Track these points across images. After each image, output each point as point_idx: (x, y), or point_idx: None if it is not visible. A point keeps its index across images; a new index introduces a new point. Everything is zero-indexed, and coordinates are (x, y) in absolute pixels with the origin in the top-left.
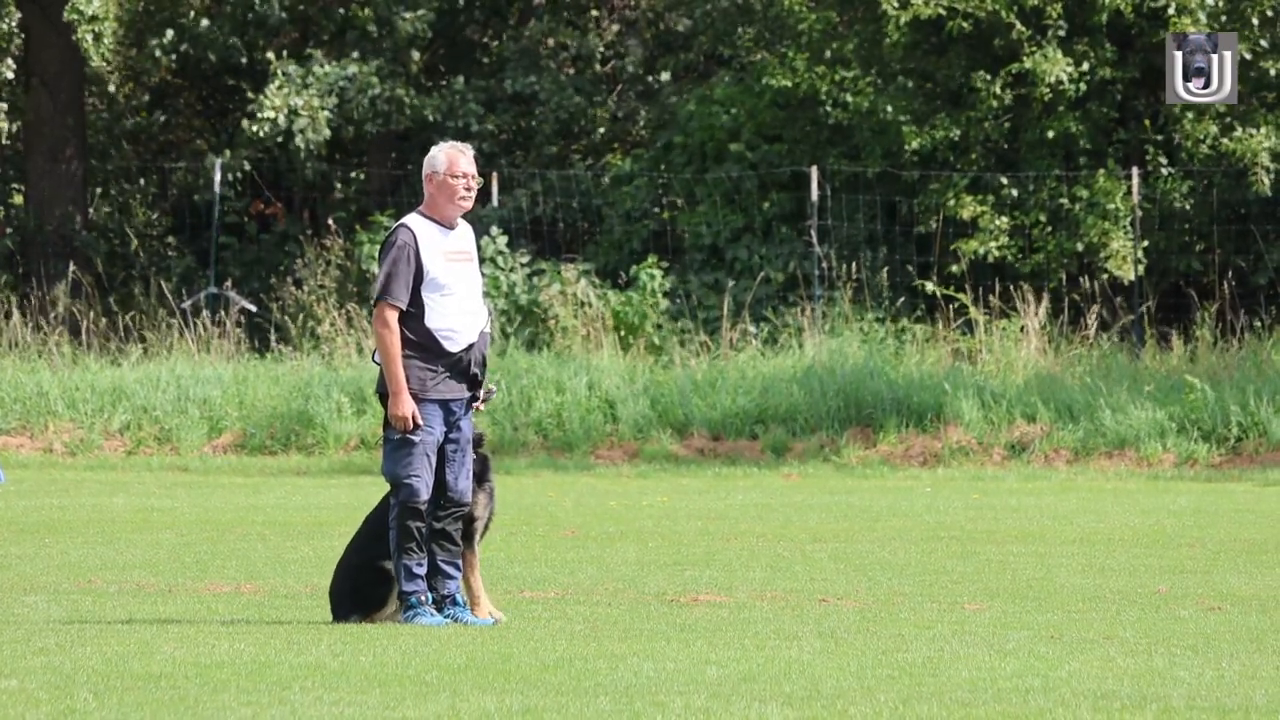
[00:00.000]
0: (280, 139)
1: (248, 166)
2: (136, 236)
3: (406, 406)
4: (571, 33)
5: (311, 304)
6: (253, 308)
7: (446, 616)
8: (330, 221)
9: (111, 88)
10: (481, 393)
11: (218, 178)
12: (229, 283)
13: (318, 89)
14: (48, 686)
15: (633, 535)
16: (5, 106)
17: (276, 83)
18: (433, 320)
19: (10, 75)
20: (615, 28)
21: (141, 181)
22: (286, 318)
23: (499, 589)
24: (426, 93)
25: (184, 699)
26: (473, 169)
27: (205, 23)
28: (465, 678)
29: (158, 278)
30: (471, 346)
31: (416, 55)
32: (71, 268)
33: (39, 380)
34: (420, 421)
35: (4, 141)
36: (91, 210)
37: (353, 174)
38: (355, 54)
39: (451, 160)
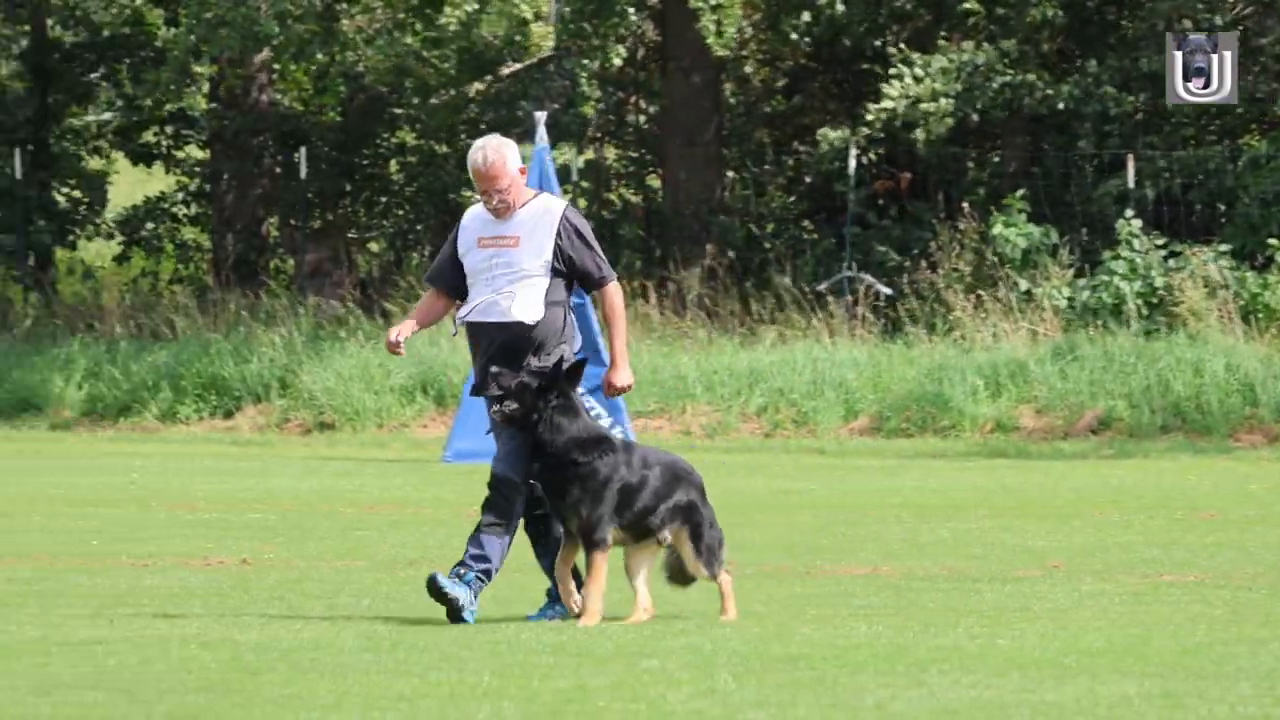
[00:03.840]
0: (902, 126)
1: (871, 156)
2: (772, 219)
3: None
4: (1202, 11)
5: (944, 287)
6: (888, 290)
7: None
8: (964, 204)
9: (749, 69)
10: (496, 392)
11: (852, 162)
12: (860, 266)
13: (942, 78)
14: (688, 667)
15: (1274, 519)
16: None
17: (899, 70)
18: (463, 308)
19: (620, 60)
20: (1249, 9)
21: (776, 164)
22: (920, 300)
23: (1136, 572)
24: (1059, 76)
25: (821, 680)
26: (490, 182)
27: (840, 7)
28: (1103, 662)
29: (792, 261)
30: (489, 338)
31: (1047, 38)
32: (708, 250)
33: (676, 363)
34: (397, 343)
35: (642, 125)
36: (727, 194)
37: (986, 156)
38: (982, 39)
39: (471, 171)
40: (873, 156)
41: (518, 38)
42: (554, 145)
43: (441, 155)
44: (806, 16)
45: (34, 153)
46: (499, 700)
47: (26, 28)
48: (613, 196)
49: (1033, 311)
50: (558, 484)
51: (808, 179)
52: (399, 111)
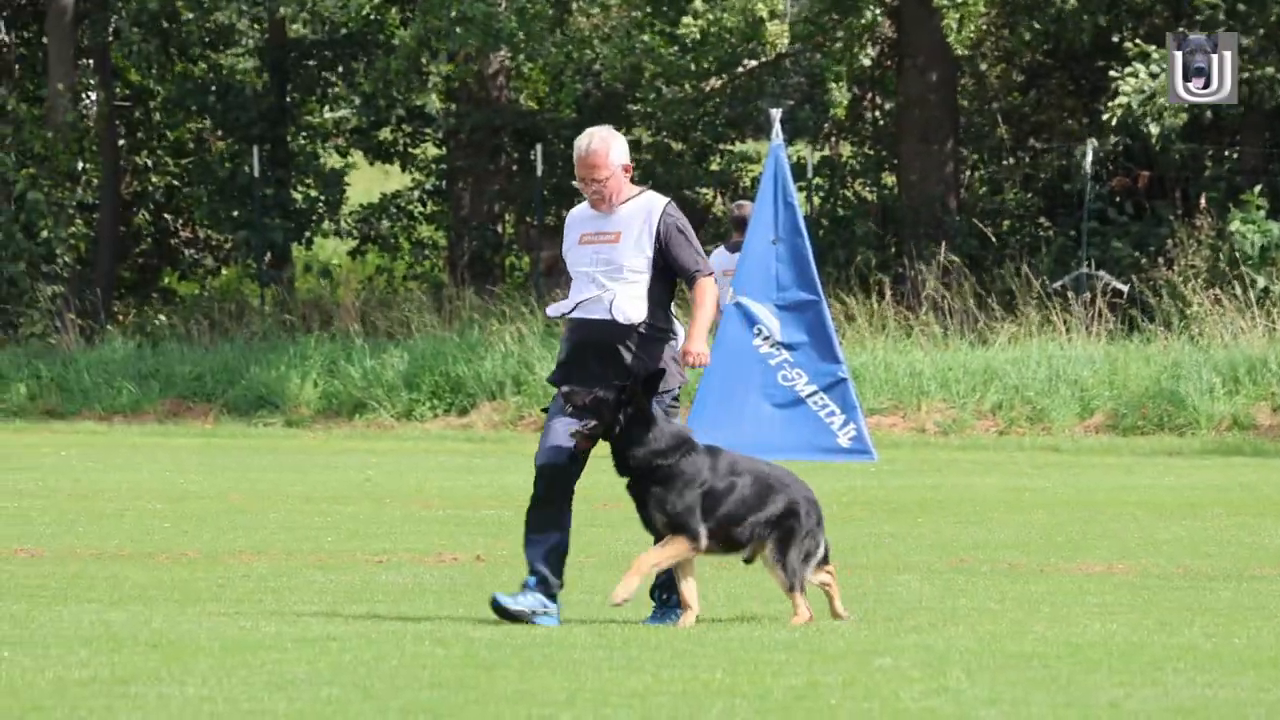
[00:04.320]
0: (1135, 122)
1: (1108, 153)
2: (1007, 217)
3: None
4: None
5: (1180, 284)
6: (1124, 288)
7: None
8: (1201, 200)
9: (984, 67)
10: (579, 405)
11: (1088, 159)
12: (1097, 264)
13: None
14: (920, 665)
15: None
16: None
17: (1134, 67)
18: (561, 304)
19: (869, 60)
20: None
21: (1012, 162)
22: (1157, 297)
23: None
24: None
25: (1055, 679)
26: (589, 170)
27: (1073, 2)
28: None
29: (1028, 258)
30: (582, 334)
31: None
32: (942, 248)
33: (910, 360)
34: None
35: (878, 122)
36: (963, 191)
37: (1225, 152)
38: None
39: (575, 158)
40: (1109, 153)
41: (752, 36)
42: (789, 142)
43: (676, 152)
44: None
45: (271, 150)
46: (731, 697)
47: (265, 25)
48: (848, 193)
49: (1271, 308)
50: (643, 491)
51: (1044, 176)
52: (634, 108)
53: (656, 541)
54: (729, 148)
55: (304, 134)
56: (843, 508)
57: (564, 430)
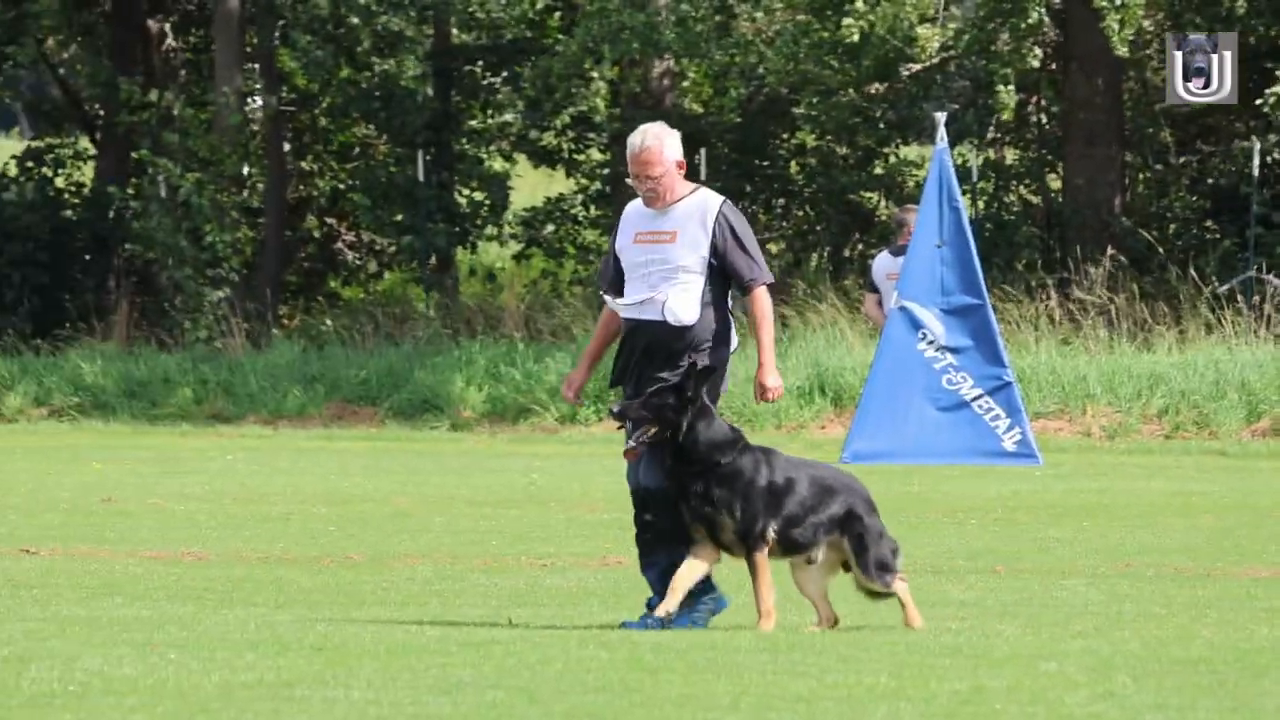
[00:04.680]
0: None
1: (1276, 155)
2: (1173, 220)
3: (565, 383)
4: None
5: None
6: None
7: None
8: None
9: (1148, 71)
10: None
11: (1256, 161)
12: (1265, 268)
13: None
14: (1086, 670)
15: None
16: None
17: None
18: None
19: (1036, 62)
20: None
21: (1179, 164)
22: None
23: None
24: None
25: (1222, 684)
26: (643, 167)
27: (1241, 4)
28: None
29: (1194, 261)
30: (635, 333)
31: None
32: (1109, 252)
33: (1076, 365)
34: (572, 391)
35: (1043, 125)
36: (1128, 195)
37: None
38: None
39: (628, 155)
40: (1278, 156)
41: (907, 42)
42: (953, 145)
43: (841, 156)
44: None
45: (435, 155)
46: (896, 701)
47: (430, 30)
48: (1012, 197)
49: None
50: (701, 490)
51: (1210, 179)
52: (798, 112)
53: (698, 536)
54: (893, 151)
55: (468, 139)
56: (1007, 512)
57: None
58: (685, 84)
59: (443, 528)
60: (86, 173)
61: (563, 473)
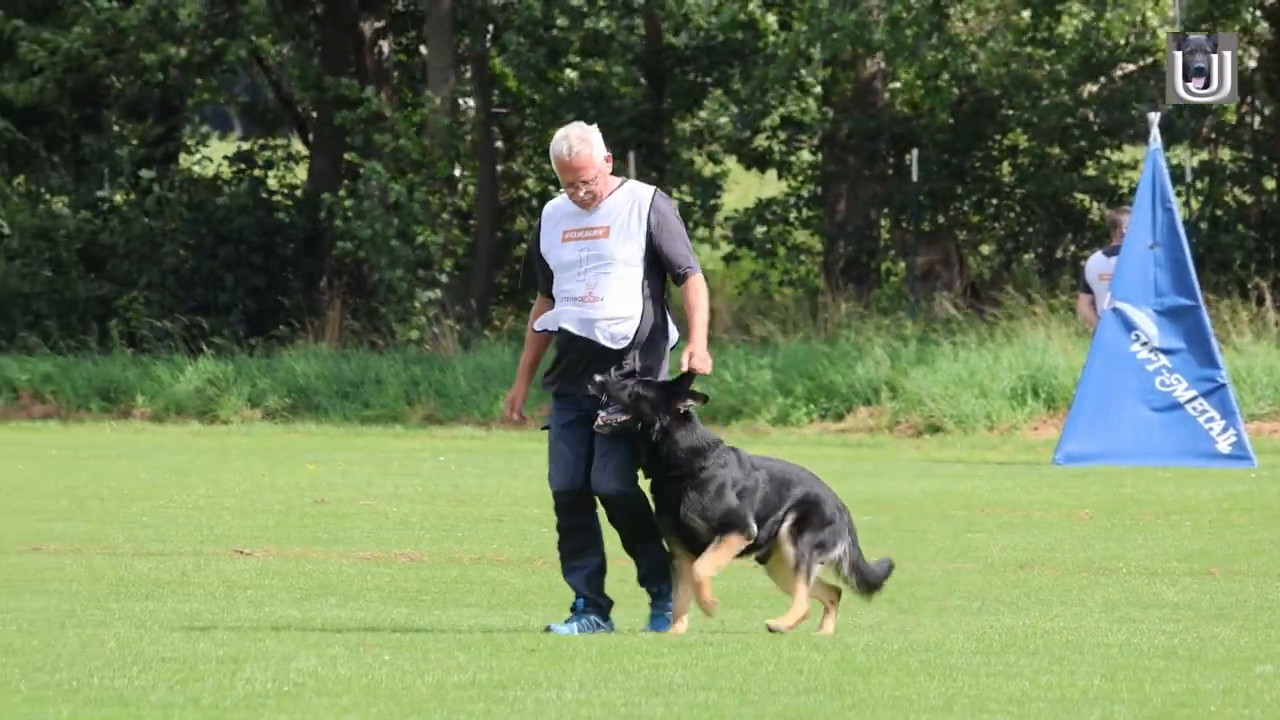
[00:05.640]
0: None
1: None
2: None
3: (507, 404)
4: None
5: None
6: None
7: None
8: None
9: None
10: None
11: None
12: None
13: None
14: None
15: None
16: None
17: None
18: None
19: (1252, 63)
20: None
21: None
22: None
23: None
24: None
25: None
26: (576, 173)
27: None
28: None
29: None
30: (572, 336)
31: None
32: None
33: None
34: (515, 412)
35: (1256, 127)
36: None
37: None
38: None
39: (555, 163)
40: None
41: (1135, 39)
42: (1167, 147)
43: (1053, 157)
44: None
45: (647, 156)
46: (1110, 704)
47: (642, 31)
48: (1226, 198)
49: None
50: (677, 495)
51: None
52: (1010, 113)
53: (681, 545)
54: (1105, 154)
55: (679, 141)
56: (1221, 514)
57: (569, 450)
58: (896, 85)
59: None
60: (299, 174)
61: None
